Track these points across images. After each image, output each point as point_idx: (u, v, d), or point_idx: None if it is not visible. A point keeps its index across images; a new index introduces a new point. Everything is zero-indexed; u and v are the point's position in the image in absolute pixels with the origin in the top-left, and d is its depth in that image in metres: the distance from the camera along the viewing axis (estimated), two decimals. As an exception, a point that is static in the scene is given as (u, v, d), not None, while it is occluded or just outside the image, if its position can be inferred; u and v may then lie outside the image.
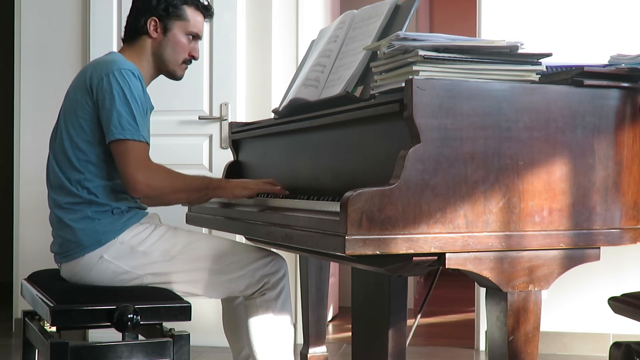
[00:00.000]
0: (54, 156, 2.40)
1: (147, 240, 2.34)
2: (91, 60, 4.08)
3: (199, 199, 2.41)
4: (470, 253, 1.75)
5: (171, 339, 2.16)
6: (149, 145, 2.33)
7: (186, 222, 2.93)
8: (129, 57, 2.46)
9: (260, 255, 2.40)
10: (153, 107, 2.50)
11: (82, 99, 2.33)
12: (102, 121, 2.29)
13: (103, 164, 2.33)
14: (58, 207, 2.35)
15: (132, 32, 2.51)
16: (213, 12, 2.61)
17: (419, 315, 2.56)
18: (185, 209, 2.94)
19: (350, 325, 2.72)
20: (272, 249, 2.50)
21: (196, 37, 2.54)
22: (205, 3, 2.57)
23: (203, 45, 4.03)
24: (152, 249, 2.33)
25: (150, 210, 2.49)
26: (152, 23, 2.48)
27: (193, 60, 2.57)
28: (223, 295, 2.49)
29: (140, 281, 2.33)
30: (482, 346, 4.01)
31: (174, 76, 2.56)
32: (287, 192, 2.33)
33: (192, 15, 2.51)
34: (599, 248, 1.88)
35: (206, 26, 4.03)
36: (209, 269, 2.35)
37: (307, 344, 3.05)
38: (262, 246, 2.54)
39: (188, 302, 2.26)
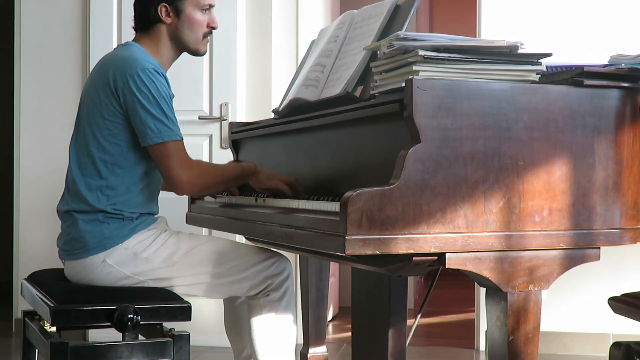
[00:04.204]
0: (76, 159, 2.36)
1: (151, 246, 2.33)
2: (90, 55, 4.10)
3: (233, 186, 2.51)
4: (470, 253, 1.75)
5: (171, 339, 2.16)
6: (183, 140, 2.33)
7: (186, 222, 2.92)
8: (147, 47, 2.42)
9: (263, 257, 2.39)
10: (173, 95, 2.45)
11: (107, 101, 2.30)
12: (135, 125, 2.28)
13: (130, 167, 2.32)
14: (71, 210, 2.34)
15: (144, 22, 2.44)
16: None
17: (419, 315, 2.56)
18: (186, 208, 2.94)
19: (350, 325, 2.71)
20: (273, 249, 2.50)
21: (209, 7, 2.47)
22: None
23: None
24: (155, 256, 2.32)
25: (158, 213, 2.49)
26: (163, 9, 2.41)
27: (213, 31, 2.51)
28: (225, 296, 2.48)
29: (141, 285, 2.32)
30: (482, 346, 4.01)
31: (198, 53, 2.51)
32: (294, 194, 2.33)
33: None
34: (599, 248, 1.88)
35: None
36: (210, 272, 2.35)
37: (307, 344, 3.05)
38: (262, 246, 2.53)
39: (188, 302, 2.26)
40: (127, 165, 2.32)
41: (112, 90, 2.29)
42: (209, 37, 2.50)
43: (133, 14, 2.49)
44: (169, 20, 2.43)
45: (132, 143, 2.31)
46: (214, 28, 2.50)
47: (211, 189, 2.39)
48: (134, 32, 2.50)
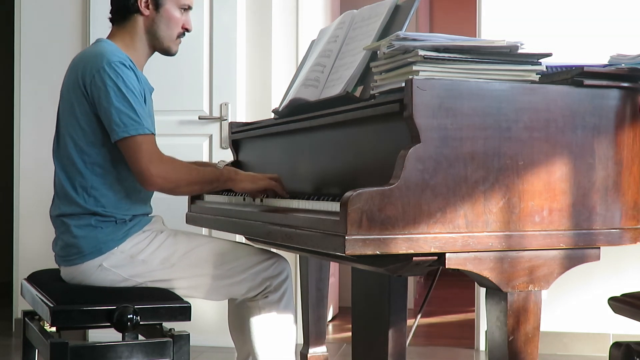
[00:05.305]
0: (59, 163, 2.35)
1: (147, 248, 2.32)
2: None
3: (210, 190, 2.40)
4: (470, 253, 1.75)
5: (171, 339, 2.16)
6: (154, 134, 2.28)
7: (186, 222, 2.92)
8: (121, 40, 2.39)
9: (262, 258, 2.38)
10: (153, 89, 2.43)
11: (78, 100, 2.28)
12: (103, 121, 2.25)
13: (109, 165, 2.30)
14: (62, 214, 2.33)
15: (122, 12, 2.41)
16: None
17: (419, 315, 2.56)
18: (186, 209, 2.93)
19: (350, 325, 2.71)
20: (273, 250, 2.49)
21: (188, 8, 2.45)
22: None
23: (203, 45, 4.03)
24: (152, 258, 2.31)
25: (154, 212, 2.47)
26: (143, 0, 2.38)
27: (187, 33, 2.48)
28: (224, 298, 2.47)
29: (141, 286, 2.32)
30: (482, 346, 4.01)
31: (169, 52, 2.47)
32: (288, 196, 2.31)
33: None
34: (599, 248, 1.88)
35: (206, 26, 4.05)
36: (210, 274, 2.34)
37: (307, 344, 3.05)
38: (262, 246, 2.53)
39: (188, 302, 2.26)
40: (105, 163, 2.29)
41: (81, 88, 2.27)
42: (181, 39, 2.48)
43: (110, 4, 2.45)
44: (147, 12, 2.40)
45: (107, 140, 2.27)
46: (188, 30, 2.47)
47: (184, 187, 2.32)
48: (110, 24, 2.46)
